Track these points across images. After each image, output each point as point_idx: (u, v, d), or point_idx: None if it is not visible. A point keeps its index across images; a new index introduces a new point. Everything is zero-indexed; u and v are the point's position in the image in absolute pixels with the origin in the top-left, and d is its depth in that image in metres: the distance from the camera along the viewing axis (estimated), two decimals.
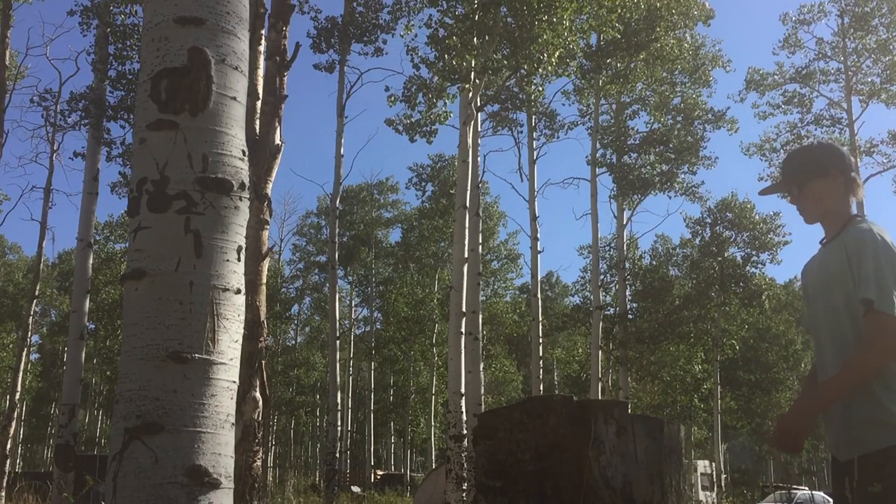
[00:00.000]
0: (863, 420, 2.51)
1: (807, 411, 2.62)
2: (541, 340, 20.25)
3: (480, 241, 14.90)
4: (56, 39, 59.67)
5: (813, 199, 2.75)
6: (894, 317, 2.41)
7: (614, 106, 22.97)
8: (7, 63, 16.12)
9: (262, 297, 7.80)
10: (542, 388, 19.00)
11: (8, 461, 17.07)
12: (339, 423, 19.99)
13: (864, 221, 2.65)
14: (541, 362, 19.97)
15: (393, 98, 14.71)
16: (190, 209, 2.19)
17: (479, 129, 16.38)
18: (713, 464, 29.58)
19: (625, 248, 23.25)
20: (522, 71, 14.01)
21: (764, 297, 26.25)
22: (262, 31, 8.34)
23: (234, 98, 2.34)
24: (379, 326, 37.34)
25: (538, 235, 20.73)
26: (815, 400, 2.63)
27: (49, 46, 20.39)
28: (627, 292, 23.61)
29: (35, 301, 20.19)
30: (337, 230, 20.64)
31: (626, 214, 23.08)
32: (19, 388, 19.13)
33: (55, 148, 18.25)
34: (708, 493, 27.20)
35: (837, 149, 2.84)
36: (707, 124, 23.19)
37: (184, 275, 2.16)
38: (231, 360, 2.21)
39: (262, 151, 7.90)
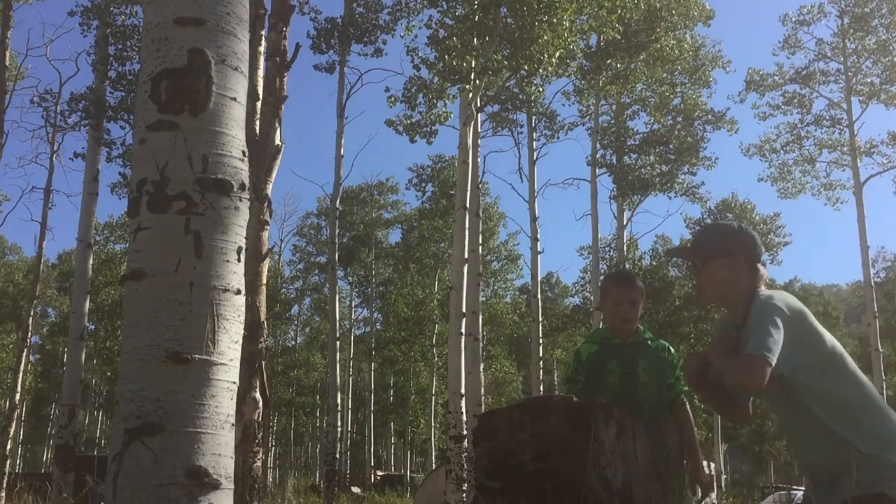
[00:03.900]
0: (848, 467, 2.46)
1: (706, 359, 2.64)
2: (541, 341, 20.24)
3: (480, 241, 14.91)
4: (56, 40, 59.64)
5: (713, 279, 2.71)
6: (766, 361, 2.38)
7: (614, 106, 22.96)
8: (7, 64, 16.12)
9: (262, 298, 7.80)
10: (542, 389, 19.00)
11: (8, 462, 17.07)
12: (339, 423, 19.98)
13: (763, 292, 2.63)
14: (541, 363, 19.97)
15: (393, 99, 14.70)
16: (190, 210, 2.19)
17: (479, 130, 16.38)
18: (713, 464, 29.58)
19: (625, 249, 23.25)
20: (522, 71, 14.00)
21: None
22: (263, 32, 8.34)
23: (235, 99, 2.34)
24: (379, 327, 37.32)
25: (538, 236, 20.73)
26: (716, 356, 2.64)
27: (49, 47, 20.39)
28: None
29: (35, 302, 20.18)
30: (337, 231, 20.64)
31: (626, 215, 23.07)
32: (19, 389, 19.11)
33: (55, 148, 18.25)
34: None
35: (752, 236, 2.80)
36: (707, 125, 23.18)
37: (184, 275, 2.16)
38: (231, 360, 2.21)
39: (262, 152, 7.90)
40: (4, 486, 16.02)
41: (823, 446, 2.50)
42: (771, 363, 2.37)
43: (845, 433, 2.44)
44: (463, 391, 13.01)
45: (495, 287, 36.75)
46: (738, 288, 2.64)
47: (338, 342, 20.24)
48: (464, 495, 12.19)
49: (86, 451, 32.76)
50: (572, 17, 12.93)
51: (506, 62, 13.33)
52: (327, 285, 25.92)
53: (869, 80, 23.27)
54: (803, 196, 26.44)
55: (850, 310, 52.81)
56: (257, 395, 7.40)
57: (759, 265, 2.70)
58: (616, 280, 3.44)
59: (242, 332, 2.29)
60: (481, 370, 14.05)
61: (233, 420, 2.21)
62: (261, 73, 8.22)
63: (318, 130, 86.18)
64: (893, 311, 39.49)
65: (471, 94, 13.52)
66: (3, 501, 14.94)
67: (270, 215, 8.18)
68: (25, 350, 20.42)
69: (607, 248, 26.02)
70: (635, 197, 22.73)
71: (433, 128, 15.20)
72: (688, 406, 3.17)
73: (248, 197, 2.35)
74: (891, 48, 22.44)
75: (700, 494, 2.92)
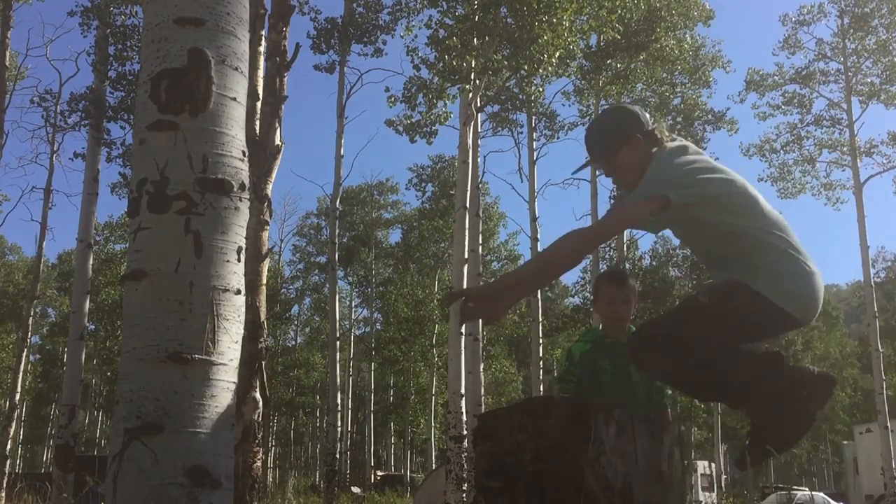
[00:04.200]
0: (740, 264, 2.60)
1: (507, 298, 2.60)
2: (541, 341, 20.24)
3: (480, 241, 14.90)
4: (56, 40, 59.63)
5: (627, 168, 2.75)
6: (642, 204, 2.51)
7: None
8: (7, 64, 16.12)
9: (262, 298, 7.80)
10: (542, 389, 18.98)
11: (8, 462, 17.07)
12: (339, 423, 19.98)
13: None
14: (541, 363, 19.96)
15: (393, 99, 14.70)
16: (190, 210, 2.19)
17: (479, 130, 16.38)
18: (713, 464, 29.58)
19: (625, 249, 23.24)
20: (522, 72, 14.00)
21: None
22: (263, 32, 8.34)
23: (235, 99, 2.34)
24: (379, 327, 37.31)
25: (538, 236, 20.72)
26: (520, 284, 2.66)
27: (49, 47, 20.42)
28: None
29: (35, 302, 20.18)
30: (337, 231, 20.64)
31: None
32: (19, 389, 19.11)
33: (55, 148, 18.25)
34: (708, 494, 27.19)
35: (629, 110, 2.87)
36: (707, 125, 23.20)
37: (184, 275, 2.16)
38: (231, 360, 2.21)
39: (262, 152, 7.90)
40: (4, 486, 16.01)
41: (723, 247, 2.61)
42: (652, 204, 2.48)
43: (739, 253, 2.57)
44: (463, 391, 13.01)
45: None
46: (646, 160, 2.69)
47: (338, 342, 20.23)
48: (464, 495, 12.19)
49: (86, 451, 32.77)
50: (572, 17, 12.93)
51: (506, 62, 13.33)
52: (327, 285, 25.92)
53: (869, 80, 23.27)
54: (803, 196, 26.47)
55: (850, 310, 52.82)
56: (257, 395, 7.40)
57: (650, 128, 2.76)
58: (608, 278, 3.44)
59: (242, 332, 2.29)
60: (481, 370, 14.05)
61: (233, 420, 2.21)
62: (261, 73, 8.22)
63: (318, 130, 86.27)
64: (893, 311, 39.50)
65: (471, 94, 13.52)
66: (3, 501, 14.94)
67: (270, 215, 8.18)
68: (25, 350, 20.41)
69: (607, 249, 26.01)
70: None
71: (433, 128, 15.20)
72: (669, 411, 3.18)
73: (248, 197, 2.35)
74: (891, 48, 22.44)
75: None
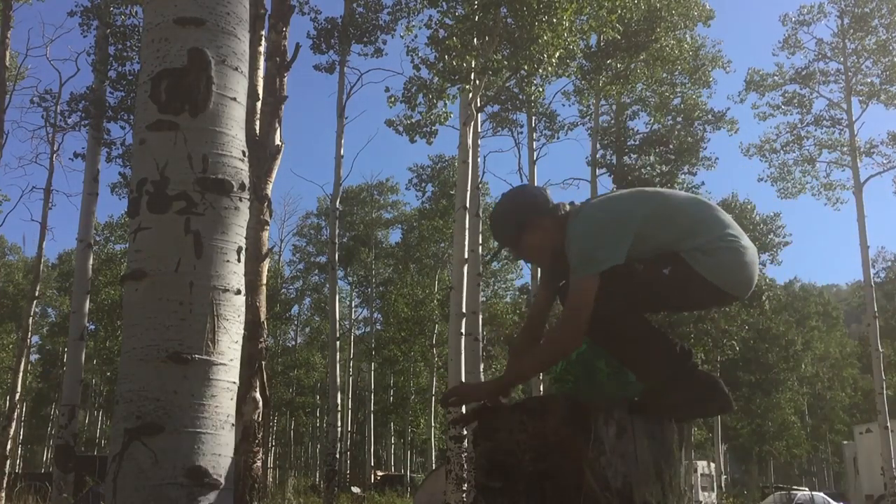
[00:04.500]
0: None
1: (500, 388, 2.79)
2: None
3: (480, 241, 14.89)
4: (56, 40, 59.66)
5: (535, 251, 2.83)
6: (592, 279, 2.55)
7: (614, 107, 22.96)
8: (7, 64, 16.11)
9: (262, 298, 7.81)
10: (542, 389, 18.98)
11: (8, 462, 17.05)
12: (339, 423, 19.97)
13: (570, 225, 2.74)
14: None
15: (393, 99, 14.69)
16: (190, 210, 2.20)
17: (479, 130, 16.36)
18: (713, 464, 29.58)
19: None
20: (522, 72, 14.00)
21: (764, 298, 26.25)
22: (263, 32, 8.34)
23: (235, 99, 2.34)
24: (379, 327, 37.32)
25: None
26: (508, 376, 2.82)
27: (49, 47, 20.43)
28: None
29: (35, 302, 20.17)
30: (337, 231, 20.63)
31: None
32: (19, 389, 19.10)
33: (55, 149, 18.22)
34: (708, 494, 27.19)
35: (531, 192, 2.95)
36: (707, 125, 23.20)
37: (184, 275, 2.16)
38: (231, 360, 2.21)
39: (262, 152, 7.90)
40: (4, 486, 16.00)
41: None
42: (596, 274, 2.55)
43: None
44: None
45: (495, 287, 36.73)
46: (555, 235, 2.76)
47: (338, 342, 20.23)
48: (464, 495, 12.19)
49: (86, 451, 32.78)
50: (572, 17, 12.92)
51: (506, 62, 13.33)
52: (327, 285, 25.92)
53: (869, 80, 23.28)
54: (803, 196, 26.48)
55: (850, 310, 52.80)
56: (257, 395, 7.41)
57: (554, 208, 2.81)
58: None
59: (242, 332, 2.29)
60: (481, 370, 14.03)
61: (233, 420, 2.21)
62: (261, 73, 8.22)
63: (318, 130, 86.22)
64: (893, 311, 39.49)
65: (471, 94, 13.51)
66: (4, 501, 14.94)
67: (270, 215, 8.18)
68: (25, 350, 20.41)
69: None
70: None
71: (433, 128, 15.20)
72: None
73: (248, 197, 2.35)
74: (891, 48, 22.44)
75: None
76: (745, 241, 2.68)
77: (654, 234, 2.63)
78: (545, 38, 12.47)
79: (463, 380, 13.05)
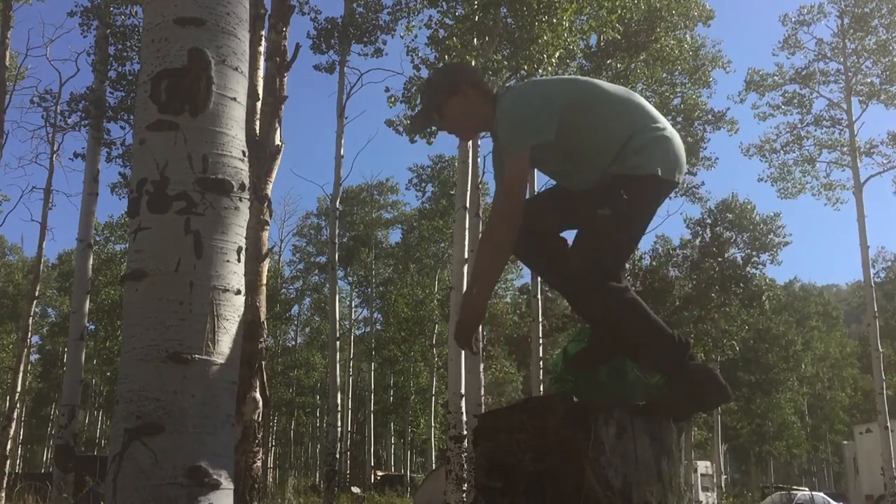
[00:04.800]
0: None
1: (471, 301, 2.72)
2: (541, 341, 20.24)
3: None
4: (56, 40, 59.64)
5: (457, 119, 2.86)
6: (521, 157, 2.60)
7: None
8: (7, 64, 16.11)
9: (262, 298, 7.81)
10: (542, 389, 18.98)
11: (8, 462, 17.06)
12: (339, 423, 19.97)
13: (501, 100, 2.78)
14: (541, 363, 19.96)
15: (393, 99, 14.70)
16: (190, 210, 2.19)
17: None
18: (713, 464, 29.59)
19: None
20: (522, 72, 14.00)
21: (764, 298, 26.24)
22: (263, 32, 8.35)
23: (235, 99, 2.34)
24: (379, 327, 37.32)
25: None
26: (475, 285, 2.74)
27: (49, 47, 20.46)
28: None
29: (35, 302, 20.17)
30: (337, 231, 20.63)
31: None
32: (19, 389, 19.11)
33: (55, 149, 18.23)
34: (708, 494, 27.20)
35: (459, 66, 3.03)
36: (707, 125, 23.19)
37: (184, 275, 2.16)
38: (231, 360, 2.21)
39: (262, 152, 7.90)
40: (4, 486, 16.01)
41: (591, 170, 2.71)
42: (528, 149, 2.59)
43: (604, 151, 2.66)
44: (463, 391, 13.01)
45: (495, 287, 36.72)
46: (481, 109, 2.80)
47: (338, 342, 20.23)
48: (464, 495, 12.19)
49: (86, 451, 32.78)
50: (572, 17, 12.93)
51: (506, 62, 13.33)
52: (327, 285, 25.92)
53: (869, 81, 23.28)
54: (803, 196, 26.47)
55: (850, 310, 52.83)
56: (257, 395, 7.41)
57: (487, 87, 2.86)
58: None
59: (242, 332, 2.29)
60: (481, 370, 14.03)
61: (233, 420, 2.21)
62: (261, 73, 8.22)
63: (318, 130, 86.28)
64: (893, 311, 39.49)
65: None
66: (4, 502, 14.94)
67: (270, 215, 8.18)
68: (25, 350, 20.41)
69: None
70: None
71: (433, 128, 15.19)
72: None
73: (248, 197, 2.35)
74: (891, 48, 22.44)
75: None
76: (670, 129, 2.74)
77: (577, 125, 2.65)
78: (545, 38, 12.48)
79: (463, 380, 13.06)
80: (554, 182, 2.95)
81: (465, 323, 2.72)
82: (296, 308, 41.38)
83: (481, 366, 13.92)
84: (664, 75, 21.21)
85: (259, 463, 7.44)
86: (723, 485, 31.88)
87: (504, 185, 2.62)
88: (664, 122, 2.76)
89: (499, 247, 2.64)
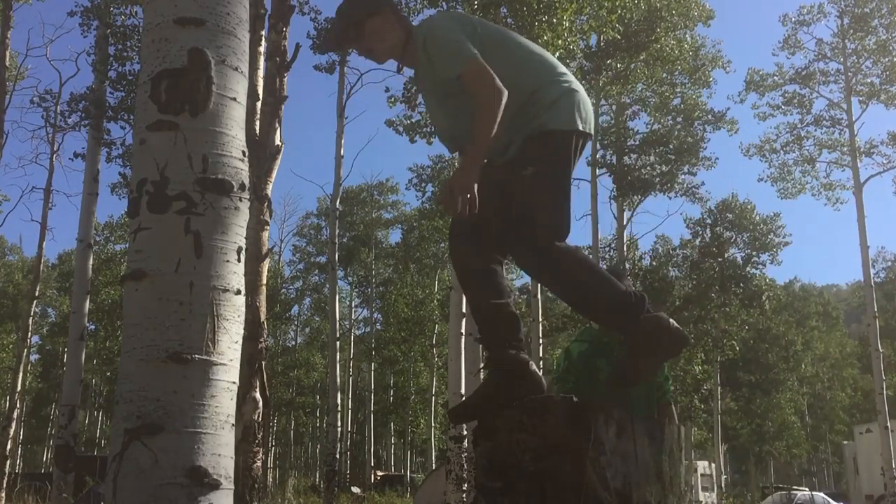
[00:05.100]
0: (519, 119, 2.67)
1: (466, 166, 2.60)
2: (541, 341, 20.24)
3: None
4: (56, 40, 59.67)
5: (375, 38, 2.83)
6: (475, 59, 2.58)
7: (614, 107, 22.96)
8: (7, 64, 16.10)
9: (262, 298, 7.81)
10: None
11: (8, 462, 17.06)
12: (339, 423, 19.98)
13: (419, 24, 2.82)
14: (541, 363, 19.97)
15: (393, 99, 14.71)
16: (190, 210, 2.19)
17: None
18: (713, 464, 29.57)
19: (625, 249, 23.24)
20: None
21: (764, 298, 26.24)
22: (263, 32, 8.35)
23: (235, 99, 2.34)
24: (379, 327, 37.32)
25: None
26: (469, 152, 2.63)
27: (49, 47, 20.44)
28: None
29: (35, 302, 20.17)
30: (337, 231, 20.64)
31: (626, 215, 23.06)
32: (19, 389, 19.10)
33: (55, 149, 18.22)
34: (708, 494, 27.19)
35: None
36: (707, 125, 23.20)
37: (184, 275, 2.16)
38: (231, 360, 2.21)
39: (262, 152, 7.91)
40: (4, 486, 16.01)
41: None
42: (475, 56, 2.57)
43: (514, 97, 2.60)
44: (463, 391, 13.01)
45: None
46: (398, 34, 2.80)
47: (338, 342, 20.24)
48: (464, 495, 12.19)
49: (86, 452, 32.78)
50: (572, 17, 12.93)
51: None
52: (327, 285, 25.92)
53: (869, 81, 23.29)
54: (803, 196, 26.47)
55: (850, 310, 52.77)
56: (257, 395, 7.41)
57: (399, 12, 2.87)
58: None
59: (242, 332, 2.29)
60: (482, 371, 14.04)
61: (233, 420, 2.21)
62: (261, 73, 8.23)
63: (318, 130, 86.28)
64: (893, 311, 39.48)
65: None
66: (4, 501, 14.94)
67: (270, 215, 8.18)
68: (25, 350, 20.41)
69: (607, 249, 26.01)
70: (635, 197, 22.72)
71: (433, 128, 15.19)
72: (673, 407, 3.18)
73: (248, 197, 2.35)
74: (891, 48, 22.45)
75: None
76: (575, 80, 2.77)
77: (489, 59, 2.62)
78: (545, 38, 12.47)
79: (463, 380, 13.06)
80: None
81: (455, 181, 2.57)
82: (296, 308, 41.40)
83: (481, 366, 13.93)
84: (664, 75, 21.21)
85: (259, 463, 7.44)
86: (723, 485, 31.87)
87: (477, 85, 2.57)
88: (569, 73, 2.77)
89: (487, 106, 2.55)
